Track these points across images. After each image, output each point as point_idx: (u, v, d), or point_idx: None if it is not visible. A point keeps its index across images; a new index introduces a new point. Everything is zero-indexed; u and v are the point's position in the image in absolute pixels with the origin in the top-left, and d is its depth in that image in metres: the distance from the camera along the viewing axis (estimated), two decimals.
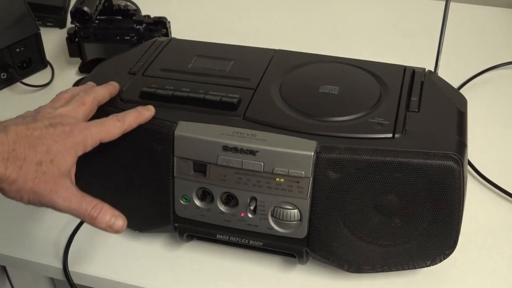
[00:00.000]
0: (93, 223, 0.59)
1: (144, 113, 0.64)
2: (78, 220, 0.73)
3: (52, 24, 1.14)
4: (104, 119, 0.63)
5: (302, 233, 0.64)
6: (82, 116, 0.63)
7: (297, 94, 0.68)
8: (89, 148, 0.61)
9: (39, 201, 0.58)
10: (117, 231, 0.59)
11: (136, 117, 0.64)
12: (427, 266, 0.65)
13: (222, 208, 0.65)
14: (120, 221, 0.59)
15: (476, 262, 0.70)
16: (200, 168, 0.64)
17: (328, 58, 0.76)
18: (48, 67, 1.03)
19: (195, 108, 0.66)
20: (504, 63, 1.03)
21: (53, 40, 1.10)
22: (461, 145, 0.62)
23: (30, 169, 0.56)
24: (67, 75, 1.01)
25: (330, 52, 0.78)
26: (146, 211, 0.68)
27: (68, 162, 0.59)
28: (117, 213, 0.59)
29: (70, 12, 0.90)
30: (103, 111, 0.66)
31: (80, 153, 0.60)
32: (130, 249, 0.71)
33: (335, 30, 1.15)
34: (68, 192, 0.58)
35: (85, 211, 0.58)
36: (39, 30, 0.98)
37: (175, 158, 0.64)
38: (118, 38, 0.98)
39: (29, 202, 0.58)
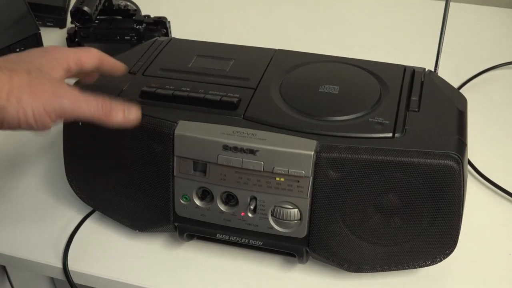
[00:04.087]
0: (108, 119, 0.58)
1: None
2: (78, 220, 0.73)
3: (52, 24, 1.14)
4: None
5: (302, 232, 0.64)
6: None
7: (297, 94, 0.68)
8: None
9: (44, 108, 0.53)
10: (132, 122, 0.60)
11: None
12: (427, 265, 0.65)
13: (222, 207, 0.65)
14: (133, 110, 0.59)
15: (476, 261, 0.70)
16: (200, 167, 0.64)
17: (328, 57, 0.76)
18: None
19: (195, 107, 0.66)
20: (504, 63, 1.03)
21: (53, 40, 1.10)
22: (461, 145, 0.62)
23: (21, 77, 0.53)
24: None
25: (330, 52, 0.78)
26: (146, 211, 0.68)
27: (58, 72, 0.57)
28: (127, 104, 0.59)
29: (70, 12, 0.90)
30: None
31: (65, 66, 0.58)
32: (130, 249, 0.71)
33: (335, 29, 1.15)
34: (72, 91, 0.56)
35: (96, 109, 0.57)
36: (39, 30, 0.98)
37: (175, 158, 0.64)
38: (118, 38, 0.98)
39: (34, 116, 0.53)
